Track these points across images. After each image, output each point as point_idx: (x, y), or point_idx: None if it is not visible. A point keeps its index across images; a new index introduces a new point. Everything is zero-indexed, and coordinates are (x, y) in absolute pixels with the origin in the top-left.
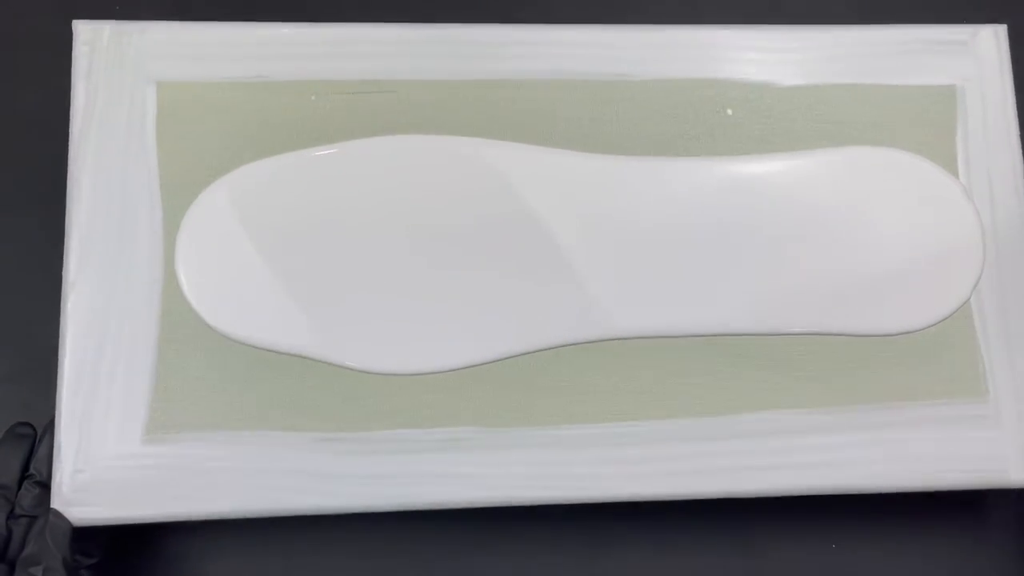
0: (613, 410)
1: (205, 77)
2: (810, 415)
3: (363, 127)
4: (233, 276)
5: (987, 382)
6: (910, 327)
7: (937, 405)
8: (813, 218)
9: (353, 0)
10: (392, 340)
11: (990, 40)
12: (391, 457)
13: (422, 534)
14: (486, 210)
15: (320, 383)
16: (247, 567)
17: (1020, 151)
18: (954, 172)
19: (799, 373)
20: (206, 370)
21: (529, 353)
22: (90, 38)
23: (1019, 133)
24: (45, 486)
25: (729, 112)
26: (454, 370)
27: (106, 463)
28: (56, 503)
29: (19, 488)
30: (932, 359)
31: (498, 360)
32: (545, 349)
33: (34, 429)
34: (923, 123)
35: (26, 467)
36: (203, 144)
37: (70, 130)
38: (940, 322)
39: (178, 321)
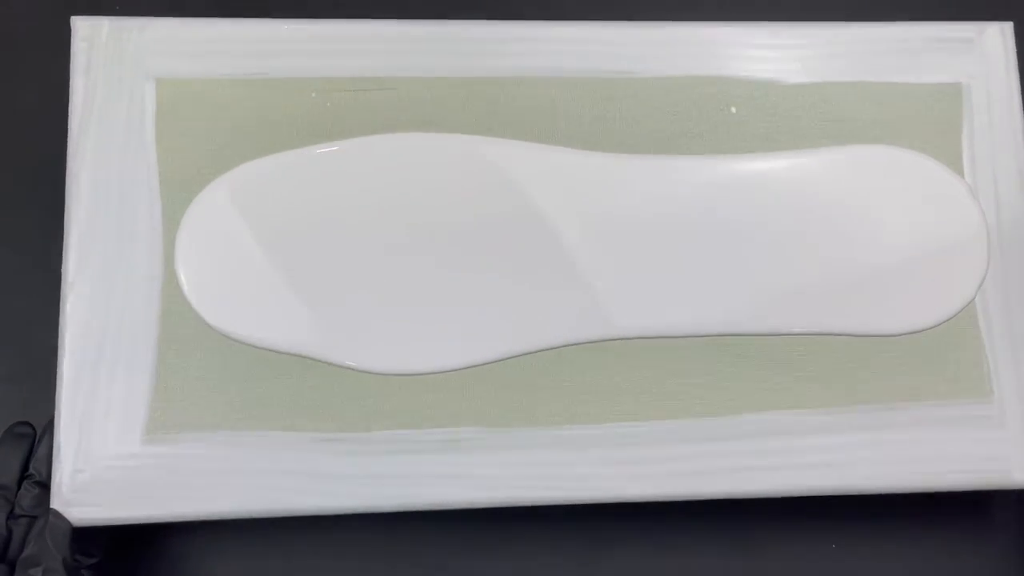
0: (614, 410)
1: (204, 74)
2: (812, 415)
3: (363, 124)
4: (233, 275)
5: (991, 382)
6: (914, 327)
7: (940, 405)
8: (817, 217)
9: None
10: (392, 340)
11: (996, 38)
12: (391, 457)
13: (422, 535)
14: (487, 209)
15: (321, 383)
16: (247, 567)
17: None
18: (959, 171)
19: (800, 373)
20: (206, 370)
21: (530, 353)
22: (89, 34)
23: None
24: (45, 486)
25: (733, 110)
26: (455, 370)
27: (106, 463)
28: (56, 503)
29: (19, 488)
30: (936, 359)
31: (499, 360)
32: (546, 349)
33: (33, 429)
34: (928, 121)
35: (25, 467)
36: (203, 142)
37: (69, 127)
38: (945, 322)
39: (178, 321)
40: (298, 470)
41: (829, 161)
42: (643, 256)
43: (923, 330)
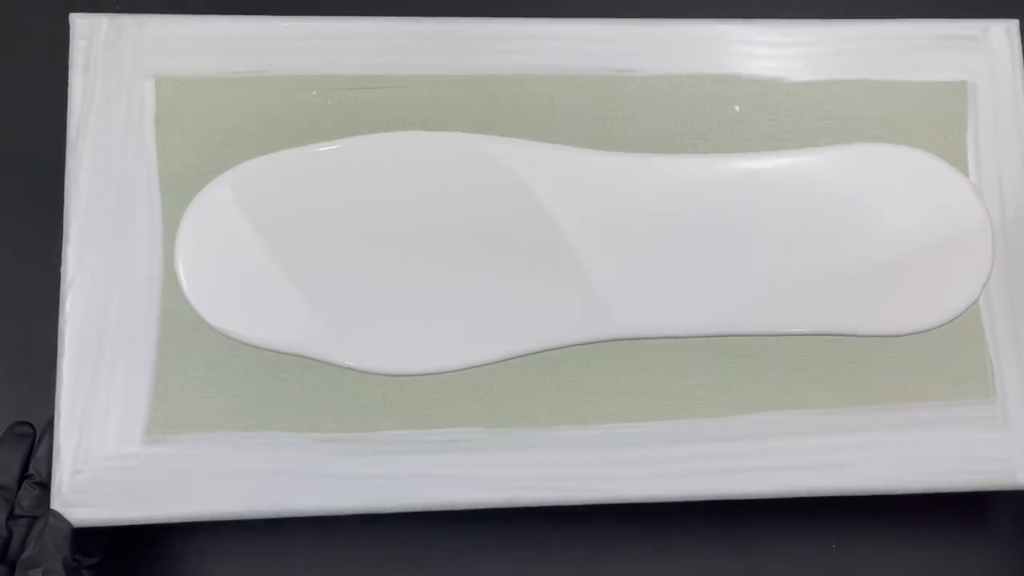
0: (614, 411)
1: (204, 72)
2: (814, 416)
3: (364, 123)
4: (233, 274)
5: (995, 383)
6: (918, 327)
7: (944, 406)
8: (821, 216)
9: None
10: (394, 340)
11: (1002, 36)
12: (392, 458)
13: (423, 535)
14: (488, 208)
15: (321, 383)
16: (247, 567)
17: None
18: (964, 170)
19: (802, 374)
20: (206, 370)
21: (531, 354)
22: (87, 32)
23: None
24: (45, 486)
25: (736, 108)
26: (456, 371)
27: (106, 463)
28: (56, 504)
29: (18, 488)
30: (939, 359)
31: (501, 361)
32: (548, 350)
33: (33, 428)
34: (933, 119)
35: (25, 467)
36: (202, 140)
37: (67, 126)
38: (949, 322)
39: (178, 320)
40: (298, 470)
41: (833, 160)
42: (645, 256)
43: (927, 330)
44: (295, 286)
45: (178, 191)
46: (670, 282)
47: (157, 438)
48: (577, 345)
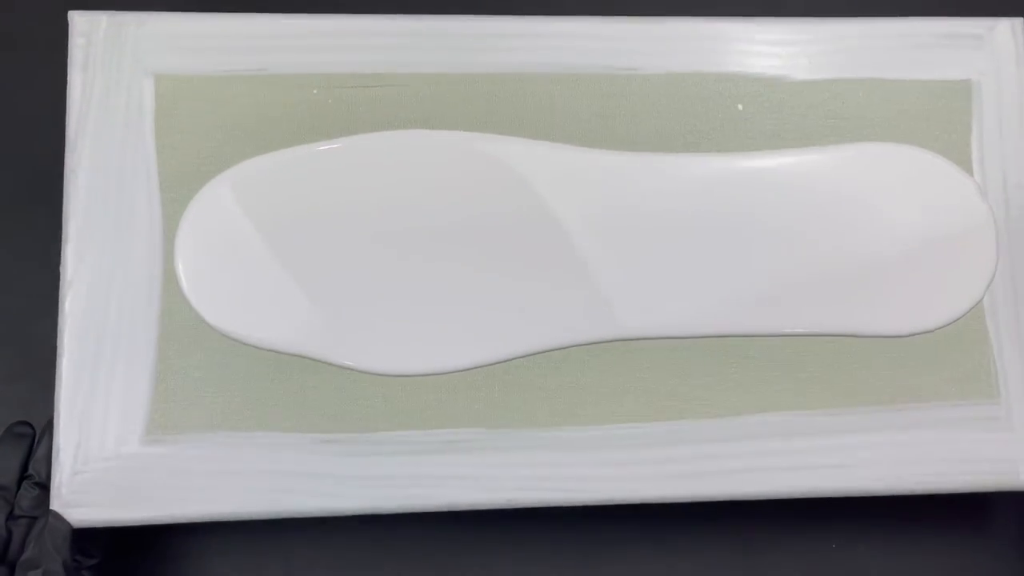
0: (615, 412)
1: (204, 70)
2: (816, 417)
3: (365, 121)
4: (233, 274)
5: (998, 383)
6: (922, 327)
7: (947, 406)
8: (824, 216)
9: None
10: (395, 340)
11: (1007, 34)
12: (392, 458)
13: (423, 536)
14: (489, 207)
15: (321, 383)
16: (247, 567)
17: None
18: (969, 169)
19: (804, 374)
20: (206, 370)
21: (532, 355)
22: (86, 29)
23: None
24: (44, 487)
25: (740, 107)
26: (457, 371)
27: (105, 464)
28: (55, 505)
29: (18, 489)
30: (943, 359)
31: (502, 362)
32: (549, 350)
33: (32, 428)
34: (937, 118)
35: (25, 467)
36: (202, 139)
37: (66, 124)
38: (953, 322)
39: (178, 320)
40: (299, 471)
41: (837, 159)
42: (647, 256)
43: (931, 331)
44: (295, 285)
45: (178, 190)
46: (672, 282)
47: (157, 438)
48: (578, 346)
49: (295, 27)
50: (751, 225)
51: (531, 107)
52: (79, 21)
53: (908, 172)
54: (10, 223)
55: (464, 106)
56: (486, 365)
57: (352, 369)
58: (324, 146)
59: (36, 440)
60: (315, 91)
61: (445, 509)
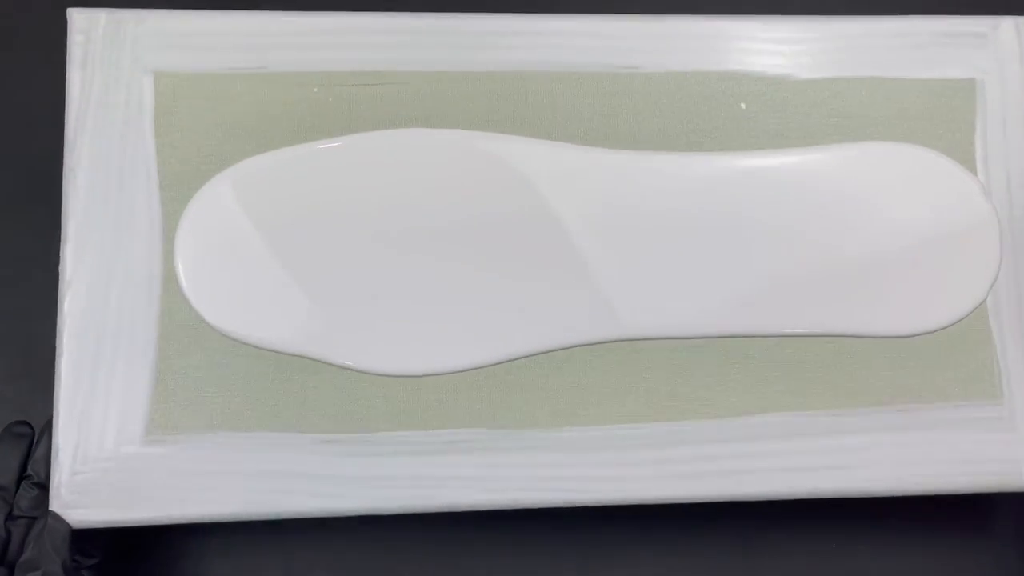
0: (616, 412)
1: (204, 67)
2: (818, 417)
3: (365, 119)
4: (234, 273)
5: (1002, 384)
6: (925, 328)
7: (950, 407)
8: (827, 216)
9: None
10: (395, 340)
11: (1011, 32)
12: (393, 459)
13: (423, 536)
14: (490, 206)
15: (322, 384)
16: (247, 567)
17: None
18: (972, 168)
19: (806, 374)
20: (206, 370)
21: (533, 355)
22: (85, 27)
23: None
24: (43, 487)
25: (743, 106)
26: (458, 372)
27: (105, 464)
28: (54, 505)
29: (17, 489)
30: (945, 360)
31: (502, 362)
32: (551, 351)
33: (32, 428)
34: (941, 117)
35: (24, 467)
36: (202, 137)
37: (65, 122)
38: (956, 323)
39: (178, 320)
40: (299, 471)
41: (840, 158)
42: (649, 255)
43: (934, 331)
44: (296, 285)
45: (178, 189)
46: (674, 282)
47: (156, 438)
48: (579, 346)
49: (295, 24)
50: (754, 225)
51: (532, 105)
52: (78, 18)
53: (911, 171)
54: (10, 223)
55: (465, 104)
56: (486, 365)
57: (352, 369)
58: (324, 144)
59: (35, 440)
60: (315, 89)
61: (446, 510)
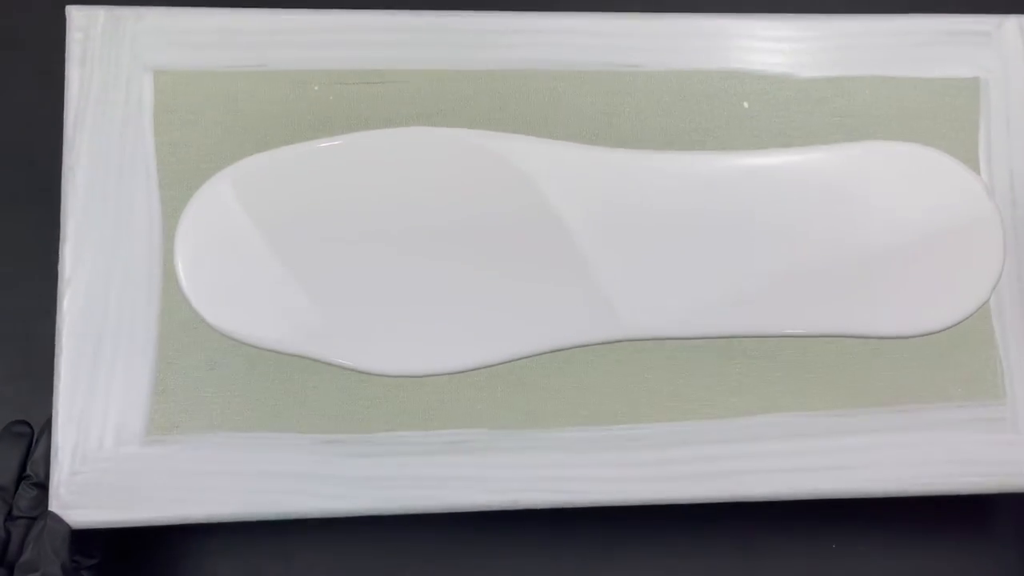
0: (618, 413)
1: (204, 65)
2: (820, 418)
3: (366, 118)
4: (234, 273)
5: (1004, 384)
6: (928, 328)
7: (952, 407)
8: (830, 215)
9: None
10: (396, 340)
11: (1015, 31)
12: (394, 459)
13: (424, 537)
14: (492, 205)
15: (322, 384)
16: (247, 568)
17: None
18: (976, 167)
19: (808, 375)
20: (206, 370)
21: (534, 355)
22: (84, 24)
23: None
24: (43, 487)
25: (745, 105)
26: (459, 372)
27: (104, 464)
28: (54, 505)
29: (16, 489)
30: (948, 360)
31: (503, 362)
32: (552, 351)
33: (31, 428)
34: (944, 116)
35: (23, 467)
36: (202, 135)
37: (64, 120)
38: (959, 323)
39: (178, 319)
40: (299, 472)
41: (843, 157)
42: (652, 255)
43: (936, 331)
44: (296, 284)
45: (177, 187)
46: (676, 281)
47: (156, 438)
48: (580, 346)
49: (295, 22)
50: (756, 224)
51: (533, 104)
52: (77, 16)
53: (914, 171)
54: (9, 222)
55: (466, 103)
56: (487, 366)
57: (352, 369)
58: (325, 143)
59: (34, 440)
60: (316, 87)
61: (447, 510)
